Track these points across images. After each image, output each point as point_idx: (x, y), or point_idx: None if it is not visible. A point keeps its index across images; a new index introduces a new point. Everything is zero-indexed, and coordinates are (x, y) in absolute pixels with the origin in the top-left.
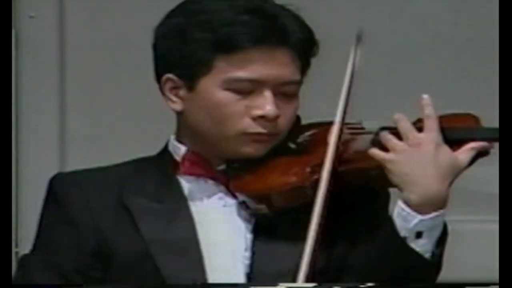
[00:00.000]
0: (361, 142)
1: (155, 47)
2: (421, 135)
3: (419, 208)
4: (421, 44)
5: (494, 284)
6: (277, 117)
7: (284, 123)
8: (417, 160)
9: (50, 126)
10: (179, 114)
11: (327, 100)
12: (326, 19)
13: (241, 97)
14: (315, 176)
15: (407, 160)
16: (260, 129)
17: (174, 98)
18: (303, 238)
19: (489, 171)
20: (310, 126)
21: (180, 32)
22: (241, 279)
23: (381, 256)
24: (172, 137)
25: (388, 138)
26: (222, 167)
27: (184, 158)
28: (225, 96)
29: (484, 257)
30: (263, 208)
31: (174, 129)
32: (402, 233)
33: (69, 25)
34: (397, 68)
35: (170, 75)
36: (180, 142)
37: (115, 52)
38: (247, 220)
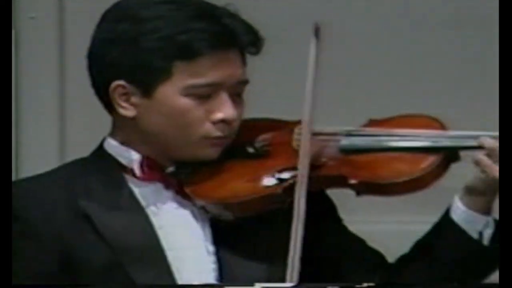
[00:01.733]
0: (329, 147)
1: (101, 53)
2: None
3: (486, 211)
4: (421, 44)
5: (494, 284)
6: (235, 119)
7: (238, 124)
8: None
9: (50, 126)
10: (128, 119)
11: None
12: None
13: (201, 102)
14: (286, 182)
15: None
16: (220, 133)
17: (125, 104)
18: (266, 239)
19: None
20: (256, 126)
21: (130, 39)
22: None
23: (456, 258)
24: (111, 139)
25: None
26: (171, 169)
27: (140, 164)
28: (185, 102)
29: None
30: (229, 215)
31: (111, 131)
32: (472, 233)
33: (69, 26)
34: (395, 68)
35: (120, 82)
36: (126, 145)
37: None
38: (205, 223)
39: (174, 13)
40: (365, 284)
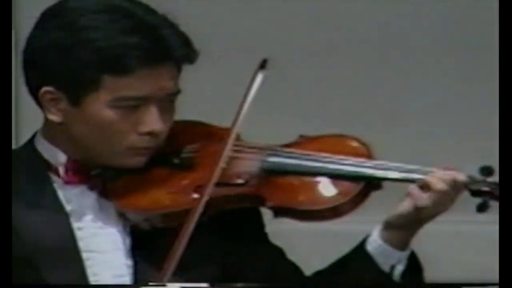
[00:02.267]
0: (251, 166)
1: (34, 59)
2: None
3: (402, 246)
4: (421, 45)
5: (494, 284)
6: (162, 131)
7: (166, 133)
8: (435, 215)
9: None
10: (56, 123)
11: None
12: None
13: (128, 114)
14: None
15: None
16: (146, 144)
17: (53, 110)
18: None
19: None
20: (186, 132)
21: (61, 47)
22: None
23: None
24: (41, 136)
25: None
26: (97, 171)
27: (66, 167)
28: (112, 114)
29: (484, 258)
30: (146, 225)
31: (42, 127)
32: (385, 268)
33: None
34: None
35: (49, 88)
36: (54, 145)
37: None
38: (125, 227)
39: (109, 25)
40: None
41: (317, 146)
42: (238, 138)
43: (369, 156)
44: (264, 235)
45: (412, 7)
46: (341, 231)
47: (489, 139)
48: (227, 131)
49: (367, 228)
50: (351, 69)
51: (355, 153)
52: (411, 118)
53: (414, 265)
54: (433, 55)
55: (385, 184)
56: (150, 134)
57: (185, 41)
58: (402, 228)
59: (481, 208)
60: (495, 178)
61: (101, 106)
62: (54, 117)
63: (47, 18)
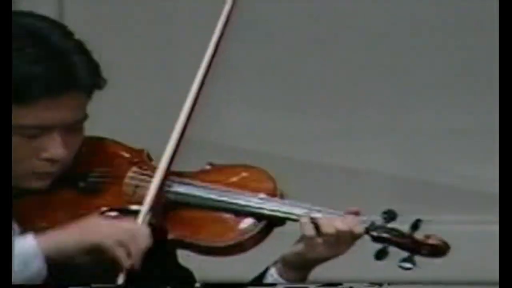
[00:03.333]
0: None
1: None
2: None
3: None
4: (421, 45)
5: (493, 284)
6: (64, 157)
7: (70, 157)
8: (325, 259)
9: None
10: None
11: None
12: None
13: (29, 140)
14: None
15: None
16: (47, 169)
17: None
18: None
19: (488, 172)
20: (94, 151)
21: None
22: None
23: None
24: None
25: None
26: None
27: None
28: (14, 140)
29: (483, 258)
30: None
31: None
32: None
33: (69, 26)
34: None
35: None
36: None
37: (114, 52)
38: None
39: (15, 53)
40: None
41: (225, 177)
42: (147, 158)
43: (274, 191)
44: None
45: (412, 7)
46: None
47: (489, 139)
48: (136, 153)
49: None
50: (349, 67)
51: (261, 188)
52: (410, 118)
53: None
54: (433, 55)
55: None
56: (50, 160)
57: (94, 69)
58: (298, 266)
59: (380, 255)
60: (396, 223)
61: None
62: None
63: None
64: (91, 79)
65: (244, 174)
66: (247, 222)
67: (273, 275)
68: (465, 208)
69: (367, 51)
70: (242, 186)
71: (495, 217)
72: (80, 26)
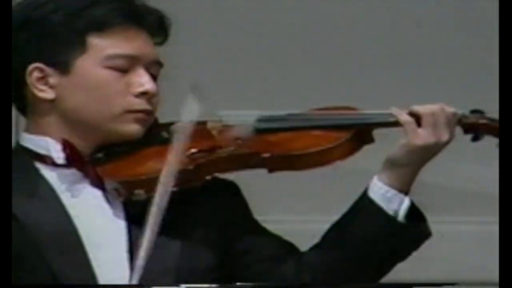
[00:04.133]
0: (243, 129)
1: (14, 40)
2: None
3: (403, 189)
4: (421, 45)
5: (493, 284)
6: (155, 93)
7: (158, 101)
8: (432, 146)
9: None
10: (46, 105)
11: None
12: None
13: (121, 75)
14: (198, 161)
15: (429, 142)
16: (142, 106)
17: (44, 87)
18: (179, 229)
19: (488, 172)
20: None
21: (38, 20)
22: (127, 271)
23: (368, 236)
24: (26, 133)
25: (409, 120)
26: (96, 155)
27: (62, 149)
28: (106, 74)
29: (483, 258)
30: (141, 193)
31: (26, 127)
32: (389, 211)
33: None
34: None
35: (36, 65)
36: (42, 134)
37: None
38: (119, 209)
39: None
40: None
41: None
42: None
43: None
44: (253, 221)
45: (412, 7)
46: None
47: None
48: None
49: None
50: (347, 67)
51: (345, 108)
52: None
53: (416, 211)
54: (433, 54)
55: None
56: (145, 94)
57: (158, 14)
58: (402, 168)
59: (476, 138)
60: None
61: (93, 67)
62: (46, 95)
63: (20, 1)
64: (154, 17)
65: (331, 108)
66: (335, 133)
67: (376, 184)
68: (465, 209)
69: (366, 51)
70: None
71: (495, 218)
72: None
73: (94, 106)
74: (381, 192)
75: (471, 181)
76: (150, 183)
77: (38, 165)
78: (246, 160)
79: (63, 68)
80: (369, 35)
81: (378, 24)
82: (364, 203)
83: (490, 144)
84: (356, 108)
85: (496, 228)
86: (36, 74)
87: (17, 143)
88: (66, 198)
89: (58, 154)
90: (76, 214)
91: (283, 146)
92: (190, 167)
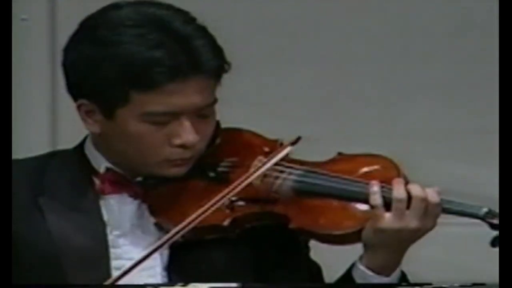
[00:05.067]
0: (283, 185)
1: (67, 72)
2: (409, 214)
3: (381, 271)
4: (421, 45)
5: (493, 285)
6: (196, 142)
7: (203, 143)
8: (397, 235)
9: (42, 127)
10: (97, 134)
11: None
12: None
13: (159, 128)
14: (234, 215)
15: (390, 231)
16: (181, 156)
17: (91, 121)
18: (220, 263)
19: (487, 174)
20: (230, 141)
21: (92, 61)
22: None
23: None
24: (89, 141)
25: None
26: (139, 179)
27: (104, 177)
28: (143, 128)
29: (483, 260)
30: (179, 238)
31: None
32: None
33: (61, 27)
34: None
35: (84, 101)
36: (99, 151)
37: None
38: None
39: (137, 39)
40: None
41: (352, 165)
42: (286, 156)
43: (398, 177)
44: (307, 249)
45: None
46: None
47: (489, 140)
48: (269, 142)
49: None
50: (342, 68)
51: (386, 175)
52: (406, 119)
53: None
54: (430, 55)
55: None
56: (183, 146)
57: (218, 53)
58: (377, 250)
59: (496, 242)
60: None
61: (131, 120)
62: (92, 128)
63: (80, 29)
64: (215, 62)
65: (370, 161)
66: (366, 209)
67: (357, 266)
68: None
69: (362, 52)
70: (368, 175)
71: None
72: (72, 27)
73: (133, 153)
74: (359, 273)
75: (469, 182)
76: (188, 232)
77: (94, 178)
78: (277, 220)
79: (106, 113)
80: (368, 35)
81: (377, 24)
82: (347, 281)
83: (490, 145)
84: (392, 169)
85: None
86: (83, 108)
87: (81, 145)
88: (109, 219)
89: (101, 179)
90: (117, 236)
91: (313, 220)
92: (225, 223)
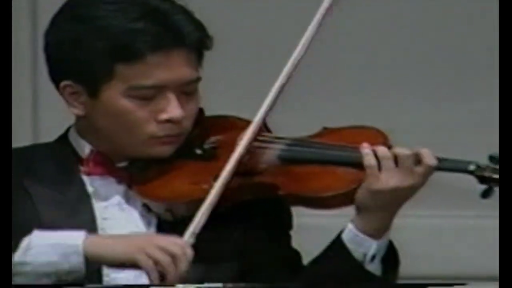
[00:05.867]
0: (269, 155)
1: (49, 54)
2: (399, 172)
3: (373, 234)
4: (422, 45)
5: (493, 280)
6: (182, 118)
7: (188, 121)
8: (391, 194)
9: (24, 117)
10: (82, 116)
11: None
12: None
13: (145, 103)
14: (230, 184)
15: (383, 191)
16: (167, 132)
17: (75, 103)
18: (211, 240)
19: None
20: (215, 125)
21: (74, 39)
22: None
23: (337, 277)
24: (73, 129)
25: (372, 162)
26: (124, 164)
27: (88, 159)
28: (129, 103)
29: (484, 253)
30: (168, 215)
31: (75, 120)
32: (357, 256)
33: (42, 16)
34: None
35: (68, 82)
36: (83, 137)
37: None
38: (148, 221)
39: (118, 13)
40: None
41: (337, 137)
42: (264, 128)
43: (385, 144)
44: (288, 238)
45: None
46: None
47: (489, 136)
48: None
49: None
50: (354, 63)
51: (373, 142)
52: (407, 115)
53: (390, 257)
54: (433, 55)
55: None
56: (170, 121)
57: (198, 26)
58: (370, 212)
59: (486, 194)
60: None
61: (116, 96)
62: (76, 111)
63: (61, 11)
64: (197, 34)
65: (356, 132)
66: (355, 173)
67: (348, 227)
68: (463, 203)
69: (361, 49)
70: (355, 142)
71: (495, 212)
72: (55, 8)
73: (119, 132)
74: (350, 235)
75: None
76: (177, 208)
77: (79, 165)
78: (265, 191)
79: (91, 91)
80: (368, 35)
81: (376, 24)
82: (336, 245)
83: (490, 140)
84: (379, 136)
85: (495, 222)
86: (68, 90)
87: (65, 134)
88: (97, 203)
89: (87, 160)
90: (105, 218)
91: (301, 185)
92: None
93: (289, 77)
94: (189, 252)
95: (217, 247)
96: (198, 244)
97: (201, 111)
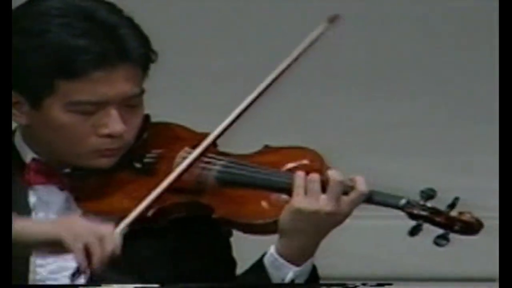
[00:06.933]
0: (208, 175)
1: None
2: (324, 196)
3: (293, 259)
4: (421, 45)
5: (493, 280)
6: (124, 132)
7: (130, 134)
8: (312, 217)
9: None
10: (25, 125)
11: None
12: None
13: (86, 117)
14: (159, 205)
15: (305, 213)
16: (108, 146)
17: (17, 113)
18: (138, 258)
19: (487, 166)
20: (158, 135)
21: (19, 51)
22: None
23: None
24: (19, 133)
25: (301, 184)
26: (67, 171)
27: (29, 168)
28: (69, 118)
29: (484, 253)
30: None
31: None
32: (276, 280)
33: None
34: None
35: (12, 91)
36: (27, 144)
37: None
38: None
39: (63, 28)
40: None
41: (277, 157)
42: (213, 145)
43: (321, 170)
44: (227, 244)
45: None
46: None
47: (490, 133)
48: (198, 136)
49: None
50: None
51: (309, 163)
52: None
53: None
54: (433, 55)
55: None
56: (110, 136)
57: (144, 42)
58: (292, 236)
59: (414, 231)
60: (434, 202)
61: (57, 111)
62: (19, 120)
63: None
64: (141, 50)
65: (295, 153)
66: (287, 199)
67: (269, 250)
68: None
69: (359, 48)
70: (294, 160)
71: (495, 213)
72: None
73: (60, 144)
74: (271, 259)
75: (471, 176)
76: (115, 222)
77: (23, 171)
78: (200, 211)
79: (33, 103)
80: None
81: (375, 24)
82: (259, 267)
83: (491, 138)
84: (316, 160)
85: (495, 223)
86: (12, 99)
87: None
88: (39, 210)
89: (32, 172)
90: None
91: (235, 210)
92: (148, 214)
93: (250, 105)
94: (117, 237)
95: (155, 250)
96: (134, 247)
97: (146, 117)
